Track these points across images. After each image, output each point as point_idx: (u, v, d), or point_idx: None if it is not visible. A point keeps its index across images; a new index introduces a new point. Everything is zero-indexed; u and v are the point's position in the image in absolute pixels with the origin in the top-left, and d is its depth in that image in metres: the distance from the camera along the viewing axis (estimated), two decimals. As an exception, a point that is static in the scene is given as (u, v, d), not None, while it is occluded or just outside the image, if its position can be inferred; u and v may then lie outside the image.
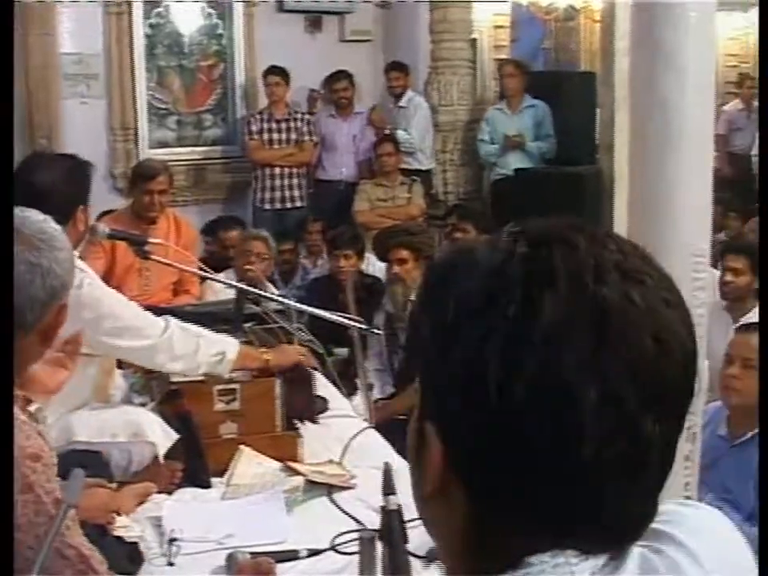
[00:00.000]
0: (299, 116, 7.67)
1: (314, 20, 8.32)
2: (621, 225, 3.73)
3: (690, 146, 2.45)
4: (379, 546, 1.88)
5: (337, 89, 7.83)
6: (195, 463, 2.89)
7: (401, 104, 7.96)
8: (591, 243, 0.78)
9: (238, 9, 7.93)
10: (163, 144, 7.84)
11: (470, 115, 8.23)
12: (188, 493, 2.83)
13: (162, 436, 2.87)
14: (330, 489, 2.83)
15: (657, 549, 0.82)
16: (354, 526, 2.52)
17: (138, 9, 7.58)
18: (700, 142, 2.49)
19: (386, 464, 2.05)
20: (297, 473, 2.91)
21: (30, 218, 1.73)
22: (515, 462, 0.75)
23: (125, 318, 2.87)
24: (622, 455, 0.75)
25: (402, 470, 2.48)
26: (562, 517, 0.76)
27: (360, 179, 7.62)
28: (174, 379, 3.06)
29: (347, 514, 2.68)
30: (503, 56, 8.65)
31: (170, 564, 2.44)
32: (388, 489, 1.90)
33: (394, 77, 7.92)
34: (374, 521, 2.21)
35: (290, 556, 2.40)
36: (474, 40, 8.45)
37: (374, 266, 5.66)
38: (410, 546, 1.90)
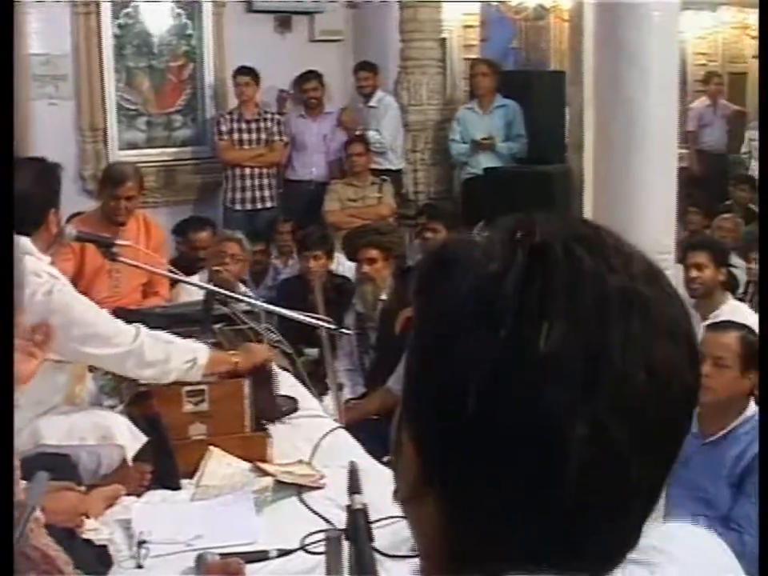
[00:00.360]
0: (269, 116, 7.64)
1: (284, 20, 8.29)
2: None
3: (654, 144, 2.47)
4: (346, 546, 1.88)
5: (306, 89, 7.81)
6: (164, 465, 2.89)
7: (371, 104, 7.96)
8: (595, 260, 0.72)
9: (207, 9, 7.88)
10: (133, 145, 7.78)
11: (440, 115, 8.24)
12: (157, 495, 2.83)
13: (130, 438, 2.87)
14: (299, 489, 2.84)
15: (648, 562, 0.78)
16: (324, 525, 2.52)
17: (106, 9, 7.50)
18: (664, 141, 2.52)
19: (352, 463, 2.04)
20: (266, 473, 2.91)
21: None
22: (488, 486, 0.71)
23: (95, 325, 2.86)
24: (606, 492, 0.71)
25: (370, 470, 2.50)
26: (538, 543, 0.72)
27: (330, 179, 7.60)
28: (143, 381, 3.05)
29: (317, 513, 2.68)
30: (473, 55, 8.69)
31: (140, 566, 2.44)
32: (354, 488, 1.90)
33: (362, 77, 7.92)
34: (343, 520, 2.21)
35: (260, 556, 2.40)
36: (444, 39, 8.48)
37: (344, 265, 5.66)
38: (380, 545, 1.91)
